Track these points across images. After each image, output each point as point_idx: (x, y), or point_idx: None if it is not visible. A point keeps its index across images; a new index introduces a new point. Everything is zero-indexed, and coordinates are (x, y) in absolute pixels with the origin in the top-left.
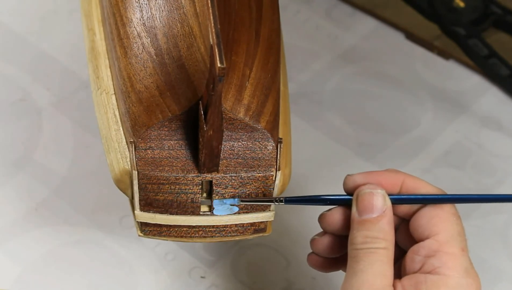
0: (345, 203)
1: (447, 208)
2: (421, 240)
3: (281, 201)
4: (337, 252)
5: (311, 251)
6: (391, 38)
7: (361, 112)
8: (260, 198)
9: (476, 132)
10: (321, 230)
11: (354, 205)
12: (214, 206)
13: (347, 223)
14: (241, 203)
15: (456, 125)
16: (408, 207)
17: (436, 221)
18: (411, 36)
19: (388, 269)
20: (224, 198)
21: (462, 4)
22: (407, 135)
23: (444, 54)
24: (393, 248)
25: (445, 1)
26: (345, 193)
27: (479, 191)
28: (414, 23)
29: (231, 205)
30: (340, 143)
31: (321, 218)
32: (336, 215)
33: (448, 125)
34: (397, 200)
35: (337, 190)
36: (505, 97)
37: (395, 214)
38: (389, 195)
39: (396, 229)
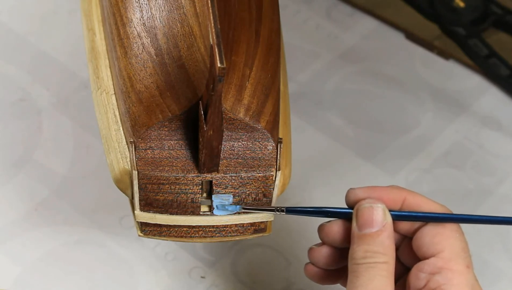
0: (346, 217)
1: (449, 225)
2: (425, 258)
3: (282, 210)
4: (335, 264)
5: (309, 251)
6: (391, 38)
7: (361, 112)
8: (261, 206)
9: (476, 132)
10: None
11: (354, 219)
12: (214, 212)
13: (346, 235)
14: (243, 210)
15: (456, 125)
16: (409, 224)
17: (439, 239)
18: (411, 36)
19: (388, 284)
20: (226, 205)
21: (462, 4)
22: (407, 135)
23: (444, 54)
24: (393, 263)
25: (445, 1)
26: (347, 206)
27: (479, 191)
28: (414, 23)
29: (231, 211)
30: (340, 143)
31: (320, 229)
32: (335, 227)
33: (448, 125)
34: (397, 216)
35: (337, 191)
36: (505, 97)
37: (396, 231)
38: (390, 211)
39: (398, 246)
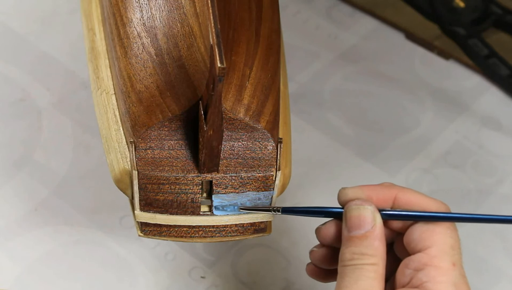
0: (341, 216)
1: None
2: (414, 254)
3: (278, 210)
4: (334, 264)
5: (310, 253)
6: (391, 38)
7: (361, 112)
8: (258, 207)
9: (476, 132)
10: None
11: (344, 221)
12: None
13: (341, 236)
14: (241, 211)
15: (456, 125)
16: (402, 221)
17: (428, 235)
18: (411, 36)
19: (375, 285)
20: (224, 205)
21: (462, 4)
22: (407, 135)
23: (444, 54)
24: (383, 264)
25: (445, 1)
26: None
27: (479, 191)
28: (414, 23)
29: (229, 211)
30: (340, 143)
31: (317, 232)
32: (330, 228)
33: (448, 125)
34: (388, 215)
35: (337, 191)
36: (505, 97)
37: (389, 228)
38: (380, 210)
39: (393, 242)
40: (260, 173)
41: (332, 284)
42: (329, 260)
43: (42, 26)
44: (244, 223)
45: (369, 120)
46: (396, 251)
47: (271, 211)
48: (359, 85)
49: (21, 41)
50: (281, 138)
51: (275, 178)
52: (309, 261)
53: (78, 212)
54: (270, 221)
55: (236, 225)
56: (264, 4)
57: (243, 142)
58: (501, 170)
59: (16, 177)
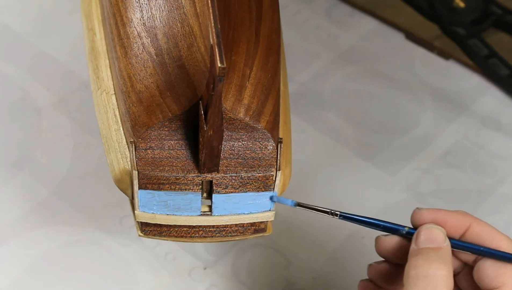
0: (401, 234)
1: None
2: (487, 289)
3: (336, 214)
4: (391, 282)
5: (369, 268)
6: (391, 38)
7: (361, 112)
8: (316, 206)
9: (476, 132)
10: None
11: (414, 240)
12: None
13: (401, 250)
14: (297, 207)
15: (456, 125)
16: (469, 253)
17: (502, 272)
18: (411, 36)
19: None
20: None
21: (462, 4)
22: (407, 135)
23: (444, 54)
24: (451, 279)
25: (445, 1)
26: (412, 225)
27: (479, 191)
28: (414, 23)
29: (287, 204)
30: (340, 143)
31: (376, 240)
32: (392, 240)
33: (448, 125)
34: (455, 245)
35: (337, 191)
36: (505, 97)
37: (457, 257)
38: (449, 239)
39: (458, 273)
40: (260, 173)
41: (333, 282)
42: (388, 276)
43: (42, 26)
44: (244, 223)
45: (369, 120)
46: (459, 282)
47: (328, 214)
48: (359, 85)
49: (21, 41)
50: (281, 138)
51: (275, 178)
52: (309, 261)
53: (78, 212)
54: (270, 221)
55: (236, 225)
56: (264, 4)
57: (243, 142)
58: (501, 170)
59: (16, 177)
